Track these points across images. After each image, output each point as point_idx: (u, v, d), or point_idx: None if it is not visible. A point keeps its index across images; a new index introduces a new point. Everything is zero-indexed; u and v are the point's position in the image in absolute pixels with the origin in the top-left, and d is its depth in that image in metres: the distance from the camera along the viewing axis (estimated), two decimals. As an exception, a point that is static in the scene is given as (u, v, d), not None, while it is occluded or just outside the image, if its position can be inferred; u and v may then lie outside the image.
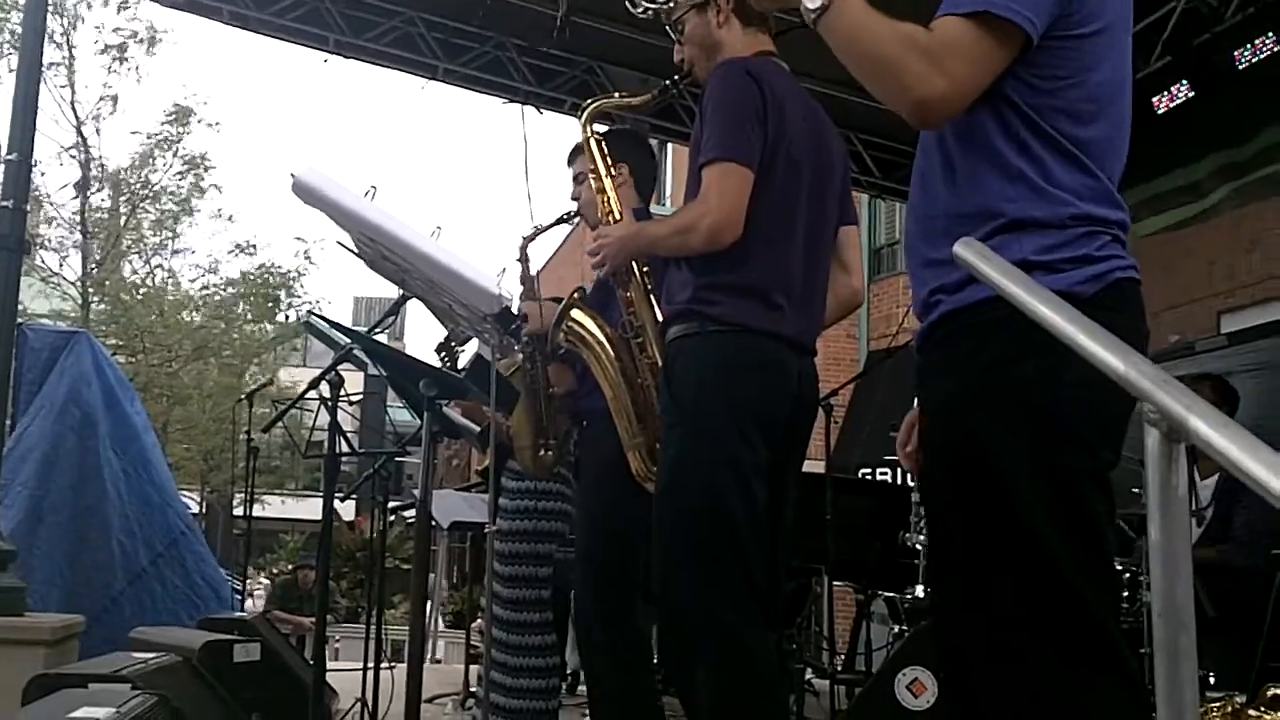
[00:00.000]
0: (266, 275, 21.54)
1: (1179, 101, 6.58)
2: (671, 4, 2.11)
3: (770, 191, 2.65)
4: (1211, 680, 3.74)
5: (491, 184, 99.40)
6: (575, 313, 3.16)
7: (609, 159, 3.15)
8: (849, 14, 1.83)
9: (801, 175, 2.75)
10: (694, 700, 2.60)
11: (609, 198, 3.07)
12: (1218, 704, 3.42)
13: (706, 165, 2.64)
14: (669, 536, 2.62)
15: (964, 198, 1.87)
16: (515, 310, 3.50)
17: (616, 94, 3.24)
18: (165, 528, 6.11)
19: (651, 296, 3.01)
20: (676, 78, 3.00)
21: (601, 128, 3.34)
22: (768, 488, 2.64)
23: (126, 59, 18.59)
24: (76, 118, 18.86)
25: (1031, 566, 1.74)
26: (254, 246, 21.45)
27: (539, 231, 4.01)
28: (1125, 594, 4.21)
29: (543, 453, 3.86)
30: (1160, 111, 6.60)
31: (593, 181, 3.12)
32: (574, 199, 3.89)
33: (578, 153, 3.85)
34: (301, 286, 21.73)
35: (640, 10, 2.21)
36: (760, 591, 2.60)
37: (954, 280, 1.83)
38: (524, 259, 4.02)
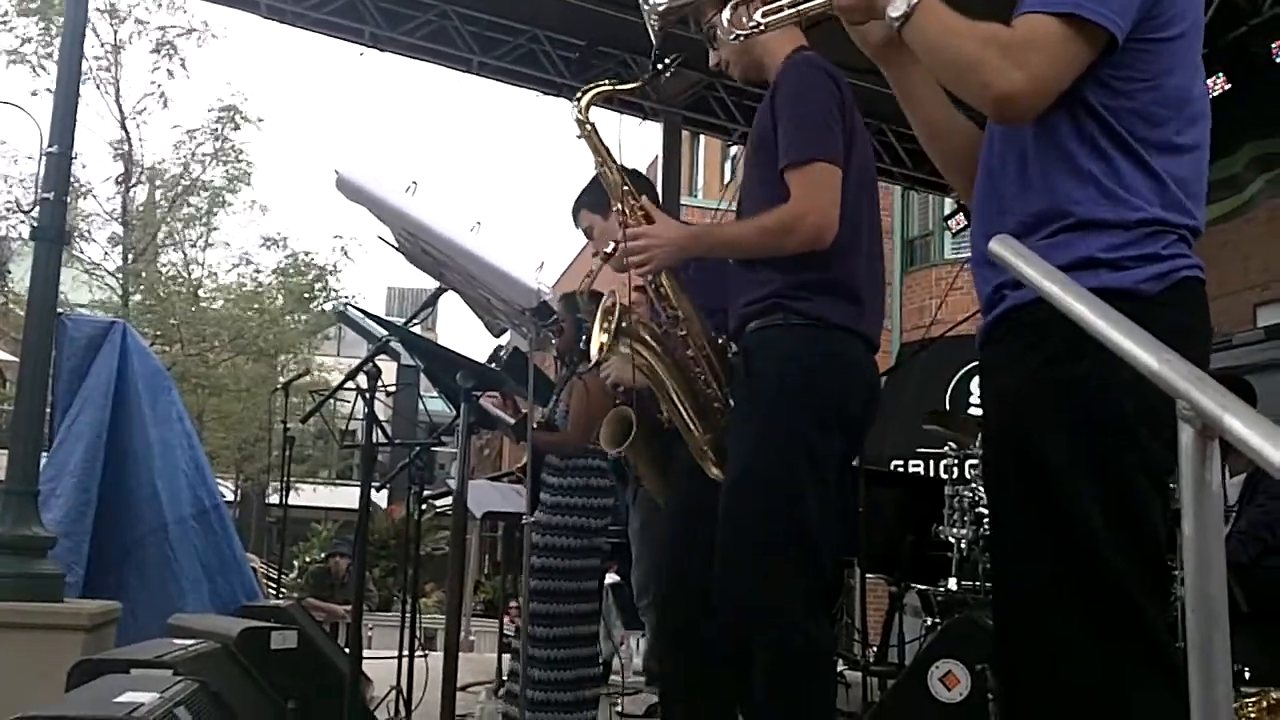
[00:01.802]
0: (301, 266, 21.75)
1: (1215, 94, 6.53)
2: (761, 29, 2.10)
3: (846, 189, 2.65)
4: (1247, 675, 3.72)
5: (527, 175, 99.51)
6: (629, 324, 3.06)
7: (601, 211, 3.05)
8: (931, 18, 1.85)
9: (865, 171, 2.77)
10: (749, 685, 2.62)
11: (629, 193, 2.89)
12: (1253, 699, 3.41)
13: (800, 165, 2.61)
14: (741, 524, 2.61)
15: (1033, 196, 1.88)
16: (554, 306, 3.48)
17: (606, 82, 3.10)
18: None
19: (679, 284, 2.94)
20: (668, 61, 2.92)
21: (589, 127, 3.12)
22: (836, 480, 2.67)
23: (173, 55, 18.88)
24: (121, 112, 19.14)
25: (1082, 561, 1.75)
26: (284, 239, 21.69)
27: (593, 276, 3.83)
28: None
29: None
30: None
31: (613, 174, 2.93)
32: (595, 254, 3.59)
33: (580, 209, 3.84)
34: (338, 280, 21.95)
35: (733, 38, 2.18)
36: (827, 583, 2.62)
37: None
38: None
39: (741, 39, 2.18)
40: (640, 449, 3.58)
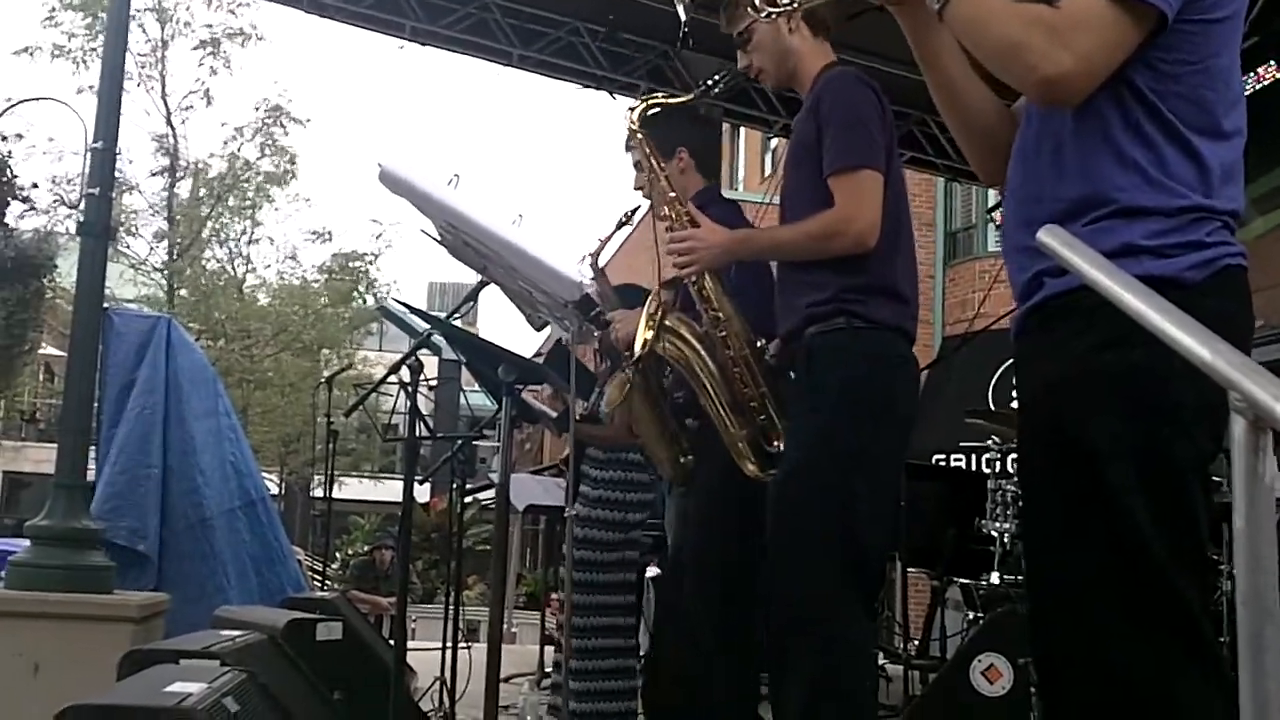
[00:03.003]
0: (348, 264, 21.94)
1: (1266, 83, 6.46)
2: (797, 5, 2.10)
3: (887, 195, 2.74)
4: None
5: (570, 167, 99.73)
6: (670, 320, 3.09)
7: (664, 153, 3.14)
8: (972, 0, 1.82)
9: (901, 181, 2.87)
10: (789, 681, 2.64)
11: (676, 200, 3.02)
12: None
13: (845, 172, 2.71)
14: (792, 524, 2.66)
15: (1073, 182, 1.85)
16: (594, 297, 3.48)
17: (659, 94, 3.30)
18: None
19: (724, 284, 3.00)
20: (718, 77, 3.03)
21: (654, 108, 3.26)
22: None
23: (220, 54, 19.12)
24: (167, 108, 19.37)
25: (1129, 551, 1.72)
26: (330, 233, 21.88)
27: (603, 244, 3.88)
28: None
29: (683, 459, 3.53)
30: (1247, 93, 6.47)
31: (661, 181, 3.07)
32: (638, 188, 3.70)
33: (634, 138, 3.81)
34: (378, 269, 22.12)
35: (765, 16, 2.19)
36: (874, 583, 2.69)
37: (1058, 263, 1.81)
38: (598, 273, 3.89)
39: (774, 18, 2.18)
40: (643, 413, 3.56)
